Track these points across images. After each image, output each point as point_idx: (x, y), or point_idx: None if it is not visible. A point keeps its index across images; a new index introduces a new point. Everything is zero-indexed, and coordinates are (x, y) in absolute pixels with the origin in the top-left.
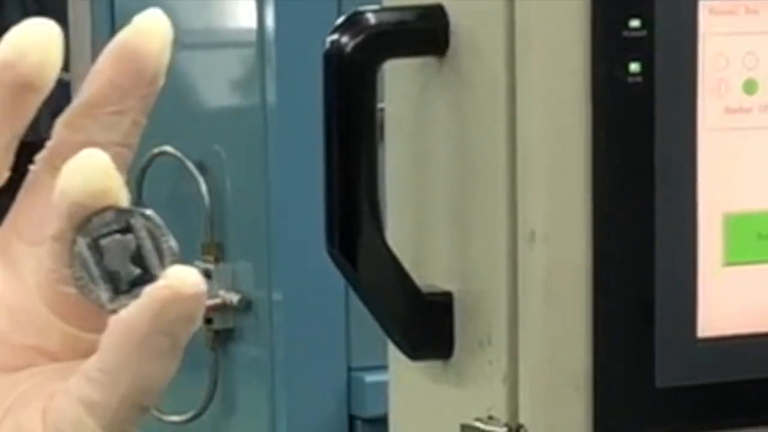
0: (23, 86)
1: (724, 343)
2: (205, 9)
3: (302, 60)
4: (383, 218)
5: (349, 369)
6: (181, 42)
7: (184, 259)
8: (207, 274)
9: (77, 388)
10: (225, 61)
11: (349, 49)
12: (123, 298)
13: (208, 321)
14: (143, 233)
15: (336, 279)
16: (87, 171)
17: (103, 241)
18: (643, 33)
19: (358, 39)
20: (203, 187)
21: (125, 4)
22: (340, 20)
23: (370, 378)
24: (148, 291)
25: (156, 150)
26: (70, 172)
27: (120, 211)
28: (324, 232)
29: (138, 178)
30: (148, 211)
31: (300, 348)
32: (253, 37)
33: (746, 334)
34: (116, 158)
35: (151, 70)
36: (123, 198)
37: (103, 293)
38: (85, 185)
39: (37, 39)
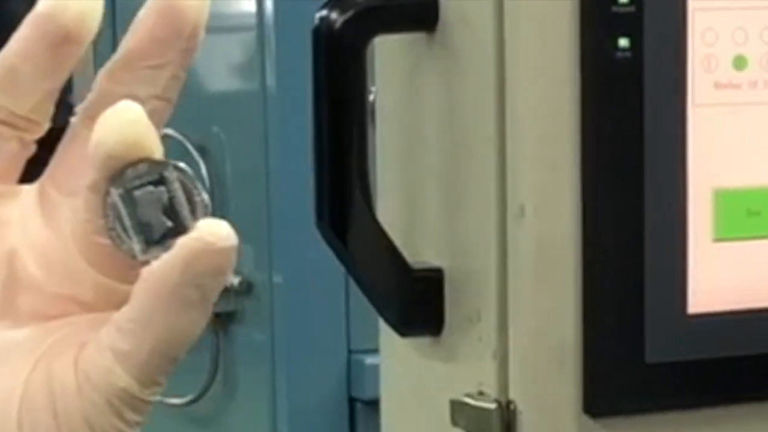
0: (64, 37)
1: (713, 319)
2: None
3: (301, 44)
4: (374, 194)
5: (350, 351)
6: None
7: None
8: None
9: (108, 338)
10: (225, 45)
11: (338, 25)
12: (155, 250)
13: None
14: (176, 186)
15: (336, 262)
16: (122, 123)
17: (137, 193)
18: (632, 8)
19: (348, 15)
20: (204, 170)
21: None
22: None
23: (370, 360)
24: (180, 243)
25: None
26: (105, 124)
27: (154, 164)
28: (314, 207)
29: None
30: (182, 164)
31: (300, 330)
32: (253, 21)
33: (736, 310)
34: (154, 112)
35: (191, 24)
36: (157, 150)
37: (136, 244)
38: (119, 137)
39: None
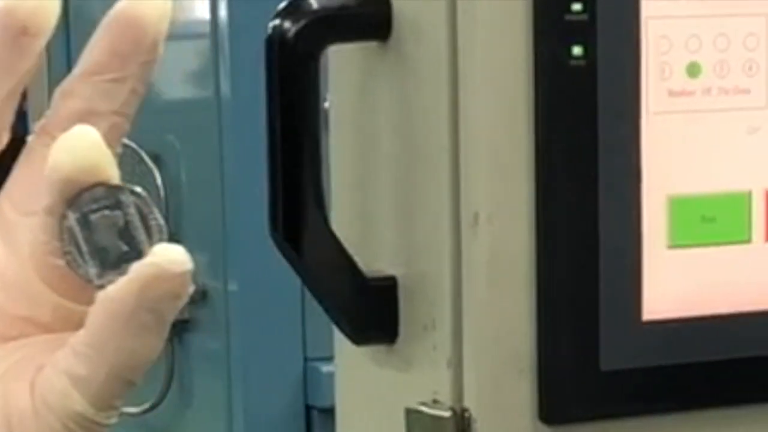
0: (22, 30)
1: (668, 326)
2: None
3: (256, 51)
4: (327, 203)
5: (305, 359)
6: None
7: None
8: None
9: (65, 362)
10: (179, 52)
11: (291, 34)
12: (110, 274)
13: None
14: (132, 210)
15: (291, 269)
16: (78, 147)
17: (93, 217)
18: (585, 17)
19: (300, 24)
20: (158, 179)
21: (79, 5)
22: (282, 5)
23: (326, 368)
24: (135, 268)
25: None
26: (62, 148)
27: (110, 188)
28: (267, 216)
29: None
30: (138, 189)
31: (256, 338)
32: (207, 29)
33: (691, 317)
34: (113, 128)
35: (150, 36)
36: (113, 174)
37: (91, 268)
38: (75, 161)
39: None
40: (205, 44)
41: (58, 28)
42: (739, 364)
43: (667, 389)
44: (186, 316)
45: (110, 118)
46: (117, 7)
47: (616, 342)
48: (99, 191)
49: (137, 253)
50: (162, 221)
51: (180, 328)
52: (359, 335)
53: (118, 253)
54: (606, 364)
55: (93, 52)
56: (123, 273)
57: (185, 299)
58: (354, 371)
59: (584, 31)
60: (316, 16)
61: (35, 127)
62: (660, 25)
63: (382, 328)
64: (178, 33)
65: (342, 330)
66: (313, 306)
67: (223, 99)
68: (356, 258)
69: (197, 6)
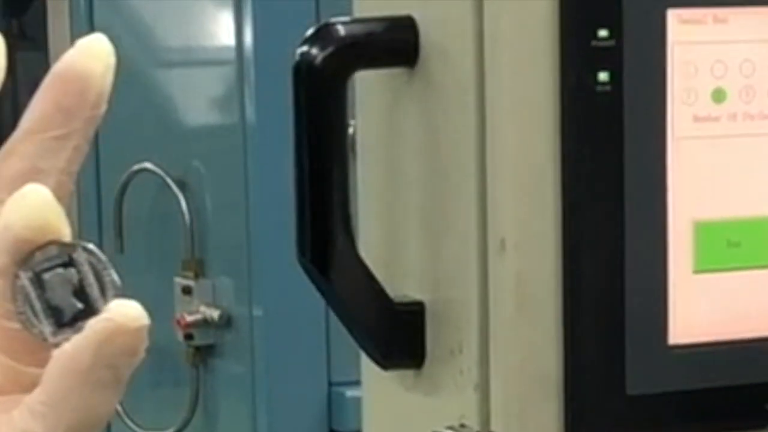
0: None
1: (694, 351)
2: (185, 27)
3: (281, 77)
4: (355, 229)
5: (330, 384)
6: (161, 60)
7: (165, 275)
8: (187, 291)
9: (21, 421)
10: (204, 78)
11: (318, 60)
12: (66, 332)
13: (188, 337)
14: (86, 267)
15: (316, 294)
16: (29, 206)
17: (46, 276)
18: (612, 42)
19: (328, 50)
20: (183, 204)
21: (105, 24)
22: (310, 32)
23: (350, 393)
24: (91, 324)
25: (136, 167)
26: (13, 207)
27: (63, 246)
28: (296, 242)
29: (118, 195)
30: (91, 246)
31: (281, 363)
32: (232, 55)
33: (716, 341)
34: (58, 187)
35: (95, 91)
36: (65, 232)
37: (46, 327)
38: (27, 221)
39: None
40: (230, 70)
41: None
42: (765, 388)
43: (693, 413)
44: (211, 341)
45: (55, 176)
46: (60, 62)
47: (643, 366)
48: (52, 250)
49: (92, 310)
50: (116, 277)
51: (205, 353)
52: (387, 360)
53: (73, 310)
54: (632, 388)
55: (36, 109)
56: (78, 330)
57: (142, 355)
58: (381, 396)
59: (611, 57)
60: (344, 42)
61: None
62: (686, 50)
63: (409, 353)
64: (204, 59)
65: (369, 355)
66: (338, 331)
67: (248, 124)
68: (384, 284)
69: (222, 33)
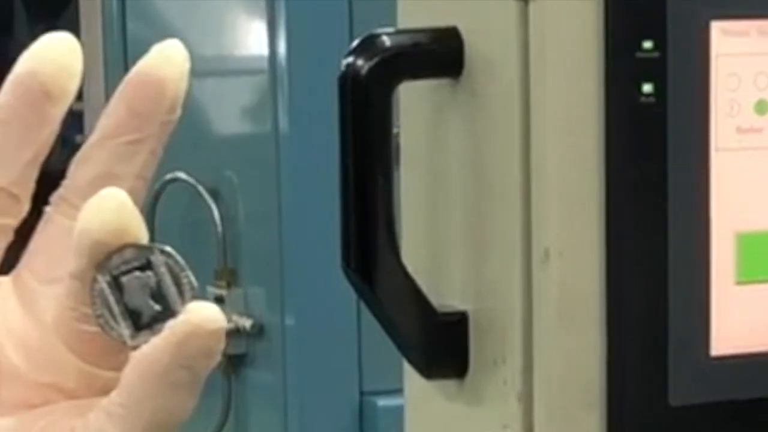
0: (43, 94)
1: (737, 362)
2: (218, 36)
3: (314, 86)
4: (399, 239)
5: (362, 393)
6: (193, 69)
7: (197, 284)
8: (220, 300)
9: (98, 423)
10: (237, 87)
11: (364, 71)
12: (144, 334)
13: None
14: (163, 269)
15: (348, 303)
16: (106, 210)
17: (124, 279)
18: (656, 54)
19: (373, 62)
20: (216, 213)
21: (137, 33)
22: (355, 43)
23: (382, 402)
24: (170, 326)
25: (169, 176)
26: (91, 211)
27: (140, 248)
28: (340, 252)
29: (151, 205)
30: (167, 248)
31: (312, 372)
32: (265, 64)
33: (759, 352)
34: (133, 192)
35: (170, 97)
36: (142, 235)
37: (125, 330)
38: (105, 224)
39: (55, 49)
40: (263, 79)
41: (117, 58)
42: None
43: (736, 424)
44: (243, 350)
45: (130, 181)
46: (136, 67)
47: (685, 377)
48: (129, 253)
49: (171, 312)
50: (193, 279)
51: (237, 363)
52: (429, 369)
53: (151, 313)
54: (675, 399)
55: (110, 114)
56: (156, 332)
57: (219, 357)
58: (424, 405)
59: (655, 69)
60: (389, 53)
61: (51, 197)
62: (729, 62)
63: (452, 363)
64: (236, 69)
65: (413, 364)
66: (370, 340)
67: (281, 134)
68: (427, 293)
69: (255, 42)
